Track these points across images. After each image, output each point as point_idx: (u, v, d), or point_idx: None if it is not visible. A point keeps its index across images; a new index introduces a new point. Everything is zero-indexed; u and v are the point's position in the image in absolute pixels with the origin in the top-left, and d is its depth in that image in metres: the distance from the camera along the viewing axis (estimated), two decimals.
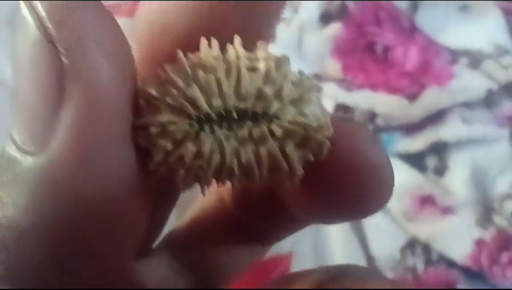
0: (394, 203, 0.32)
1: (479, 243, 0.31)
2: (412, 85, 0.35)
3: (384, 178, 0.10)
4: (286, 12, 0.38)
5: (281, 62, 0.10)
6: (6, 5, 0.38)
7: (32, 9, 0.08)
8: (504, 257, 0.30)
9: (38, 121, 0.08)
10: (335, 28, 0.37)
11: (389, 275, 0.30)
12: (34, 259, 0.08)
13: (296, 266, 0.30)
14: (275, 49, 0.13)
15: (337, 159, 0.10)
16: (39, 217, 0.08)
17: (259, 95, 0.10)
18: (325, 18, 0.37)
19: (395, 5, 0.37)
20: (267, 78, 0.10)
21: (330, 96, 0.34)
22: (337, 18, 0.37)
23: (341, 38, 0.36)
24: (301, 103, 0.10)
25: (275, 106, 0.10)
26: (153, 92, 0.09)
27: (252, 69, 0.10)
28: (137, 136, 0.10)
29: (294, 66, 0.11)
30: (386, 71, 0.35)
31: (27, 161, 0.08)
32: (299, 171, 0.10)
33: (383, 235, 0.32)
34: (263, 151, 0.10)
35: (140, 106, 0.10)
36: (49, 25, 0.08)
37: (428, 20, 0.37)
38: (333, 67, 0.36)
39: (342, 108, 0.34)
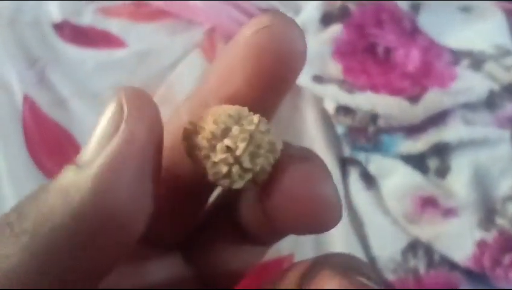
0: (396, 205, 0.32)
1: (481, 245, 0.30)
2: (413, 86, 0.34)
3: (333, 211, 0.13)
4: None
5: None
6: (7, 6, 0.38)
7: (119, 101, 0.13)
8: (506, 259, 0.30)
9: (95, 147, 0.12)
10: (336, 30, 0.37)
11: (391, 276, 0.30)
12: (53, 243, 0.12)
13: None
14: None
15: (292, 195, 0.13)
16: (69, 216, 0.12)
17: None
18: (326, 19, 0.37)
19: (397, 6, 0.37)
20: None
21: (331, 98, 0.34)
22: (338, 19, 0.37)
23: (342, 39, 0.36)
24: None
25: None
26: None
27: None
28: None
29: None
30: (387, 73, 0.35)
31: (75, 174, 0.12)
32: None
33: (384, 237, 0.32)
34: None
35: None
36: (126, 111, 0.12)
37: (429, 21, 0.37)
38: (334, 69, 0.36)
39: (343, 110, 0.34)
